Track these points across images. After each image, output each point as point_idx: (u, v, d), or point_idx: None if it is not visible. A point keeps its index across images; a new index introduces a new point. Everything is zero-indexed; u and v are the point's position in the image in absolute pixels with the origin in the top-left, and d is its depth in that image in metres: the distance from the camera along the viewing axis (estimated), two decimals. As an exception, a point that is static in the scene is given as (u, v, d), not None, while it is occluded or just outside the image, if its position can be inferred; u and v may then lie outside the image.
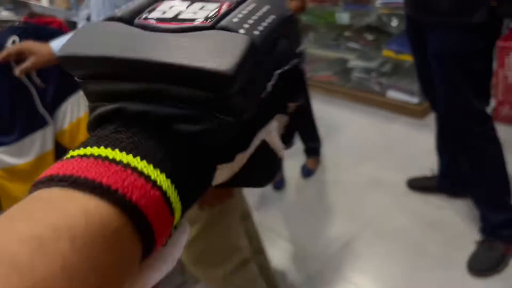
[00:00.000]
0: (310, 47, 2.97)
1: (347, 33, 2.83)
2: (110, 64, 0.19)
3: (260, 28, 0.19)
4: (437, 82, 1.47)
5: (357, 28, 2.78)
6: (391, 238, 1.70)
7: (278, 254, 1.73)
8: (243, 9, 0.20)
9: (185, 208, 0.19)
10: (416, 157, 2.08)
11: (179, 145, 0.19)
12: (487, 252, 1.58)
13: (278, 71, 0.21)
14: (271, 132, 0.22)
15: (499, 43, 2.11)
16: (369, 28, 2.70)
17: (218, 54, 0.18)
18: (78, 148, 0.18)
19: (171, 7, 0.21)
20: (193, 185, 0.20)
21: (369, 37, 2.71)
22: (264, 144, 0.22)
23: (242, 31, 0.19)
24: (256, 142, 0.21)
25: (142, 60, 0.18)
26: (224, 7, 0.20)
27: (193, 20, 0.20)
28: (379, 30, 2.64)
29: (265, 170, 0.24)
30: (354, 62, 2.77)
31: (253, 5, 0.21)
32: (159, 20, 0.20)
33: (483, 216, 1.60)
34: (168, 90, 0.18)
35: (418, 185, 1.92)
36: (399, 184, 1.96)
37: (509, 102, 2.22)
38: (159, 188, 0.17)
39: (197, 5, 0.21)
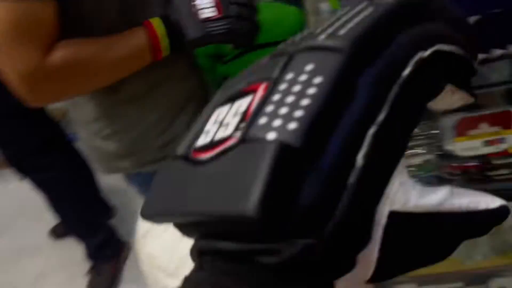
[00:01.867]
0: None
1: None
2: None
3: (298, 114, 0.14)
4: None
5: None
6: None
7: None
8: (277, 92, 0.15)
9: None
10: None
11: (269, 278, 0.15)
12: (97, 278, 1.54)
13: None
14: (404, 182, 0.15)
15: None
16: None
17: (236, 192, 0.13)
18: None
19: (214, 123, 0.17)
20: None
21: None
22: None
23: (271, 135, 0.14)
24: (378, 229, 0.15)
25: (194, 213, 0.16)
26: (257, 100, 0.15)
27: (224, 139, 0.15)
28: None
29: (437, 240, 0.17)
30: None
31: (291, 75, 0.15)
32: (202, 149, 0.17)
33: (84, 244, 1.55)
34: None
35: None
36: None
37: None
38: None
39: (235, 106, 0.16)
